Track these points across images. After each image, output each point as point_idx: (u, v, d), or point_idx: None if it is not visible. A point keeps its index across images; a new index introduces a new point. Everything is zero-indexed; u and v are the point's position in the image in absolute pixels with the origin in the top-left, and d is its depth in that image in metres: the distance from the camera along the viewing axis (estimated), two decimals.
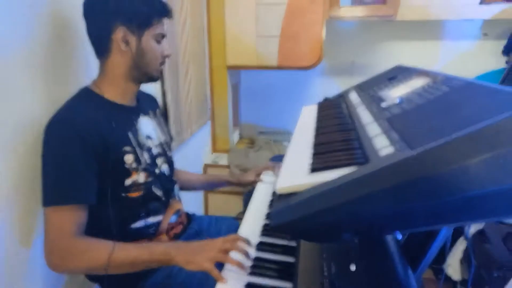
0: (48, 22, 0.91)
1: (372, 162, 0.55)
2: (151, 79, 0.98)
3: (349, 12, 2.13)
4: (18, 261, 0.87)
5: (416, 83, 0.90)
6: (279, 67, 2.18)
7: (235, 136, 2.61)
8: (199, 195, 2.28)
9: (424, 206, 0.48)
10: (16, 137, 0.83)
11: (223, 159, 2.33)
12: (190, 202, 1.98)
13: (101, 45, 0.91)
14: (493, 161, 0.44)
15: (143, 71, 0.95)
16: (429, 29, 2.27)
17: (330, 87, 2.48)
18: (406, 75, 1.05)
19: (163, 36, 0.96)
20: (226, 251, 0.80)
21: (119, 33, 0.88)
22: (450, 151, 0.47)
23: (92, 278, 1.02)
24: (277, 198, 0.60)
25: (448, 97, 0.68)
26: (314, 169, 0.59)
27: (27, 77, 0.86)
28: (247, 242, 0.85)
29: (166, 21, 0.97)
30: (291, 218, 0.53)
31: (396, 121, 0.68)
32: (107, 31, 0.89)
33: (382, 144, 0.59)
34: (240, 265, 0.79)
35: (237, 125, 2.70)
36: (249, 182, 1.32)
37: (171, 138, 1.19)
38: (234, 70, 2.36)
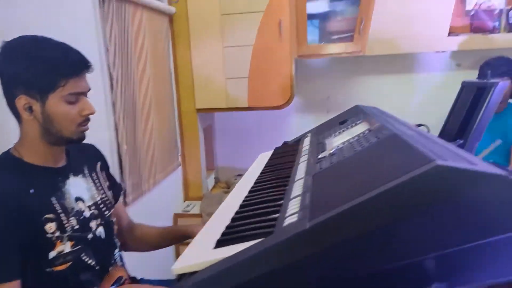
0: None
1: (275, 234, 0.52)
2: (72, 142, 0.94)
3: (317, 50, 2.18)
4: None
5: (357, 130, 0.90)
6: (250, 108, 2.20)
7: (210, 181, 2.58)
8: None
9: (320, 285, 0.46)
10: None
11: (196, 207, 2.29)
12: (157, 253, 1.91)
13: (12, 111, 0.90)
14: (386, 235, 0.41)
15: (58, 135, 0.90)
16: (402, 62, 2.32)
17: (306, 125, 2.47)
18: (356, 119, 1.05)
19: (80, 93, 0.89)
20: None
21: (20, 101, 0.86)
22: (341, 223, 0.45)
23: None
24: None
25: (372, 151, 0.67)
26: (220, 241, 0.57)
27: None
28: None
29: (86, 74, 0.90)
30: None
31: (320, 178, 0.67)
32: (10, 98, 0.87)
33: (291, 210, 0.57)
34: None
35: (212, 169, 2.67)
36: None
37: (117, 194, 1.16)
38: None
